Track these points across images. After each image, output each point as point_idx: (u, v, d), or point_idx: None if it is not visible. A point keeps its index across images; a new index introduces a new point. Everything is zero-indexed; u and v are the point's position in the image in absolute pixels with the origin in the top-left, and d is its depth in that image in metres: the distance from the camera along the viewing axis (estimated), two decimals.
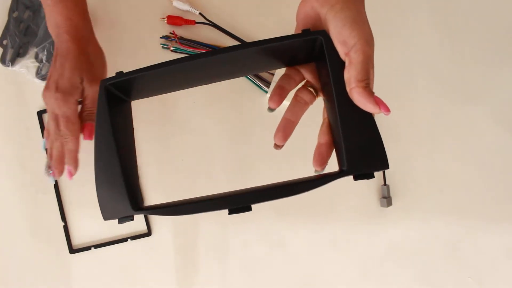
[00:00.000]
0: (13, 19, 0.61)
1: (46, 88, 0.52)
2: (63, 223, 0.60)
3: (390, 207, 0.61)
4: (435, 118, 0.62)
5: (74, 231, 0.60)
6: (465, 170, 0.62)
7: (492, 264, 0.61)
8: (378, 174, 0.61)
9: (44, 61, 0.60)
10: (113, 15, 0.62)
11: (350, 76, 0.35)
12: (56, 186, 0.60)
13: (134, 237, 0.60)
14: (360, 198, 0.61)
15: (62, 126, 0.53)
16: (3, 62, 0.60)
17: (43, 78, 0.60)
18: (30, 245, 0.60)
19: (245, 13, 0.63)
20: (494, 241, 0.61)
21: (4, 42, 0.61)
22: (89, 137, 0.54)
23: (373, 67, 0.36)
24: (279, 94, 0.41)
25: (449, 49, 0.63)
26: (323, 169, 0.40)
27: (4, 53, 0.61)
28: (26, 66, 0.60)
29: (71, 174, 0.55)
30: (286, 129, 0.42)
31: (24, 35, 0.61)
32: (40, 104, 0.61)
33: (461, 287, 0.61)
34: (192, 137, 0.62)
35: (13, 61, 0.60)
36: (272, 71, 0.61)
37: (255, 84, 0.61)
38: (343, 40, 0.36)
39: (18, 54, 0.61)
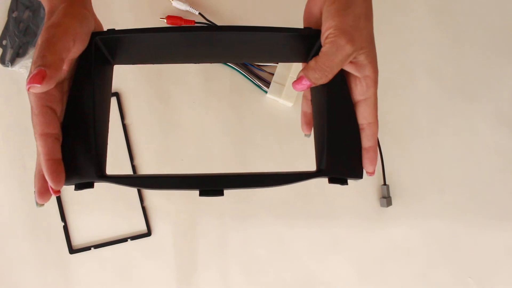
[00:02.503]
0: (13, 19, 0.61)
1: None
2: (63, 223, 0.60)
3: (390, 207, 0.61)
4: (435, 117, 0.62)
5: (73, 231, 0.60)
6: (465, 170, 0.62)
7: (492, 264, 0.61)
8: (378, 174, 0.61)
9: None
10: (112, 15, 0.62)
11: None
12: None
13: (134, 237, 0.60)
14: (360, 198, 0.61)
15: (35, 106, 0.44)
16: (3, 62, 0.60)
17: None
18: (30, 245, 0.60)
19: (245, 13, 0.63)
20: (494, 241, 0.61)
21: (4, 42, 0.61)
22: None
23: (344, 58, 0.35)
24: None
25: (449, 49, 0.63)
26: (310, 133, 0.44)
27: (3, 53, 0.60)
28: (26, 66, 0.60)
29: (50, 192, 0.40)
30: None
31: (23, 35, 0.61)
32: None
33: (461, 287, 0.61)
34: (192, 137, 0.61)
35: (12, 61, 0.60)
36: (271, 71, 0.61)
37: (255, 84, 0.61)
38: (322, 33, 0.35)
39: (18, 54, 0.60)
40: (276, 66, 0.60)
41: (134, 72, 0.61)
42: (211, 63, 0.49)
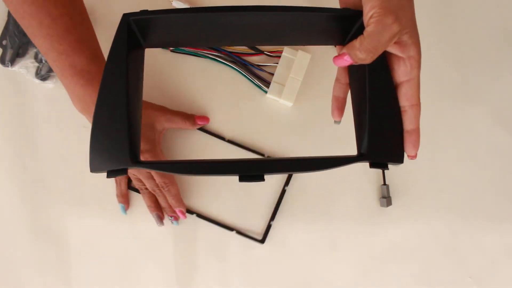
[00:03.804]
0: (13, 19, 0.61)
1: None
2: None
3: (389, 207, 0.61)
4: (435, 118, 0.62)
5: (73, 230, 0.61)
6: (465, 170, 0.62)
7: (492, 264, 0.61)
8: (378, 174, 0.61)
9: (43, 61, 0.60)
10: (113, 15, 0.62)
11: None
12: None
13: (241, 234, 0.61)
14: (360, 198, 0.61)
15: (158, 179, 0.56)
16: (3, 62, 0.60)
17: (42, 78, 0.60)
18: (30, 245, 0.60)
19: None
20: (494, 241, 0.61)
21: (4, 42, 0.61)
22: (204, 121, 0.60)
23: (390, 38, 0.33)
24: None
25: (449, 50, 0.63)
26: (341, 120, 0.43)
27: (3, 53, 0.60)
28: (26, 66, 0.60)
29: (183, 214, 0.59)
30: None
31: (23, 35, 0.61)
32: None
33: (461, 287, 0.61)
34: (192, 136, 0.61)
35: (12, 61, 0.60)
36: (271, 71, 0.61)
37: (255, 84, 0.61)
38: (365, 13, 0.34)
39: (18, 54, 0.60)
40: (276, 66, 0.60)
41: None
42: (242, 45, 0.47)
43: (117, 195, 0.60)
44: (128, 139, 0.33)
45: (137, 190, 0.60)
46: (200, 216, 0.60)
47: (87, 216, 0.61)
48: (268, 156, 0.61)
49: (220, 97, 0.62)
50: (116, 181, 0.59)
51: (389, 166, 0.37)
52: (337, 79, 0.43)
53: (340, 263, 0.61)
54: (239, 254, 0.61)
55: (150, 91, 0.61)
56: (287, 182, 0.61)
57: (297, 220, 0.61)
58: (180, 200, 0.59)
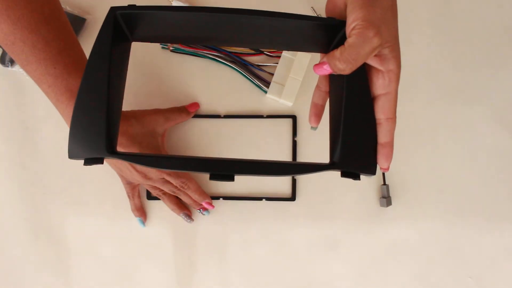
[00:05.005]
0: None
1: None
2: None
3: (389, 207, 0.61)
4: (435, 118, 0.62)
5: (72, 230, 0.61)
6: (465, 170, 0.62)
7: (492, 264, 0.61)
8: (378, 174, 0.61)
9: None
10: None
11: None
12: None
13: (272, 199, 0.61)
14: (360, 198, 0.61)
15: (175, 181, 0.56)
16: (3, 62, 0.60)
17: None
18: (30, 245, 0.60)
19: None
20: (494, 241, 0.61)
21: None
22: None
23: (370, 50, 0.34)
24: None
25: (448, 50, 0.63)
26: (317, 126, 0.44)
27: (3, 53, 0.61)
28: None
29: (210, 204, 0.60)
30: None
31: None
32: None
33: (461, 287, 0.61)
34: (191, 137, 0.62)
35: (12, 61, 0.60)
36: (271, 71, 0.61)
37: (255, 84, 0.61)
38: (348, 24, 0.35)
39: None
40: (276, 66, 0.60)
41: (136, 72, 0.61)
42: (228, 47, 0.48)
43: (132, 210, 0.60)
44: (105, 129, 0.34)
45: (157, 198, 0.60)
46: (226, 198, 0.61)
47: (87, 216, 0.61)
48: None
49: (220, 97, 0.62)
50: (129, 196, 0.59)
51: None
52: (317, 86, 0.44)
53: (340, 262, 0.61)
54: (239, 254, 0.61)
55: (149, 91, 0.61)
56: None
57: (297, 220, 0.61)
58: (203, 193, 0.59)
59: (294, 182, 0.61)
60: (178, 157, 0.36)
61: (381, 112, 0.37)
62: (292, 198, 0.61)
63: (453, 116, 0.62)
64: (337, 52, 0.35)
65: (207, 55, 0.61)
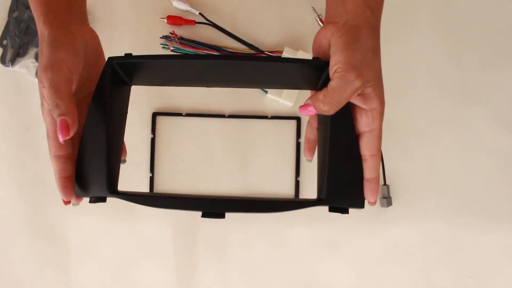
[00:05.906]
0: (13, 19, 0.61)
1: None
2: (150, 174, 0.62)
3: (390, 207, 0.61)
4: (435, 118, 0.62)
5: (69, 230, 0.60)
6: (465, 170, 0.62)
7: (492, 264, 0.61)
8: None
9: None
10: (113, 15, 0.62)
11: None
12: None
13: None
14: None
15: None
16: (3, 62, 0.60)
17: None
18: (30, 245, 0.60)
19: (245, 13, 0.63)
20: (494, 241, 0.61)
21: (4, 42, 0.61)
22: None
23: (352, 92, 0.35)
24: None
25: (448, 50, 0.63)
26: (312, 159, 0.46)
27: (4, 53, 0.61)
28: (26, 66, 0.60)
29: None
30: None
31: (24, 35, 0.61)
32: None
33: (461, 287, 0.61)
34: (192, 137, 0.62)
35: (13, 61, 0.60)
36: None
37: None
38: (331, 66, 0.36)
39: (18, 54, 0.60)
40: None
41: None
42: (225, 87, 0.52)
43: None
44: (106, 172, 0.38)
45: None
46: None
47: (87, 216, 0.61)
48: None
49: (220, 97, 0.62)
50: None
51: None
52: (308, 122, 0.45)
53: (340, 263, 0.61)
54: (239, 254, 0.60)
55: (149, 91, 0.61)
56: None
57: (297, 220, 0.61)
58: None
59: (297, 183, 0.61)
60: (172, 196, 0.40)
61: (365, 148, 0.38)
62: (296, 196, 0.61)
63: (453, 116, 0.62)
64: (320, 95, 0.36)
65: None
